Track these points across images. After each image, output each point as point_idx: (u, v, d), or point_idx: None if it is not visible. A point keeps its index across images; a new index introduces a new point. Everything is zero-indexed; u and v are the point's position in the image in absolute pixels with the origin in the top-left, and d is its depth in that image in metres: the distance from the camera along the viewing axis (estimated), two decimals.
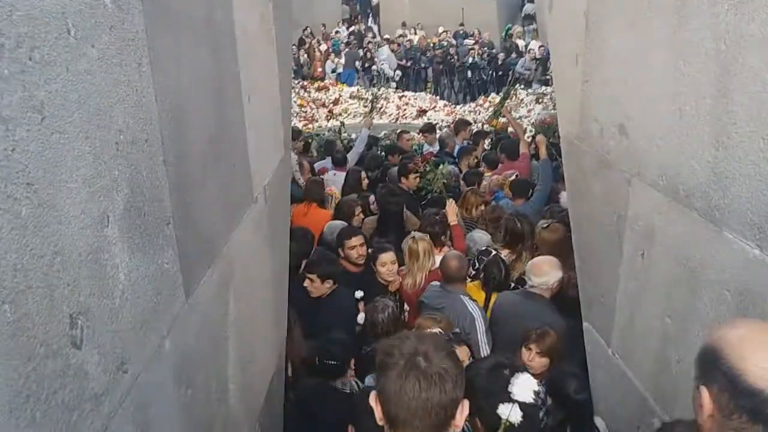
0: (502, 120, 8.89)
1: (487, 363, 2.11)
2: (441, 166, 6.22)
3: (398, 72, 15.40)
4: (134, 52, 1.30)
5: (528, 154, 6.37)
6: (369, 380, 3.01)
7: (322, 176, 6.52)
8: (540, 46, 14.65)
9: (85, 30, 1.09)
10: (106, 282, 1.18)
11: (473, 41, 16.06)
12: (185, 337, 1.65)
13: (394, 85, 14.92)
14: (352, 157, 6.97)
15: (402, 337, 1.47)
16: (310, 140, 8.41)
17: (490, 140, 8.33)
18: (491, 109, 10.56)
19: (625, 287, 2.47)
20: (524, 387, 1.91)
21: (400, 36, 16.98)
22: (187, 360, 1.68)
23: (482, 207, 5.12)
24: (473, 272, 3.95)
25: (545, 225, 4.09)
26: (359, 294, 3.93)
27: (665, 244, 2.16)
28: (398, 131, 9.06)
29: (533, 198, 5.29)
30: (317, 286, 3.77)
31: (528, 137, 7.41)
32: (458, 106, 12.84)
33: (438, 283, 3.77)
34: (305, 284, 3.78)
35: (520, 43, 15.87)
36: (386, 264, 4.05)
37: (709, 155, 1.84)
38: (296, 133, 7.68)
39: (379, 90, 13.03)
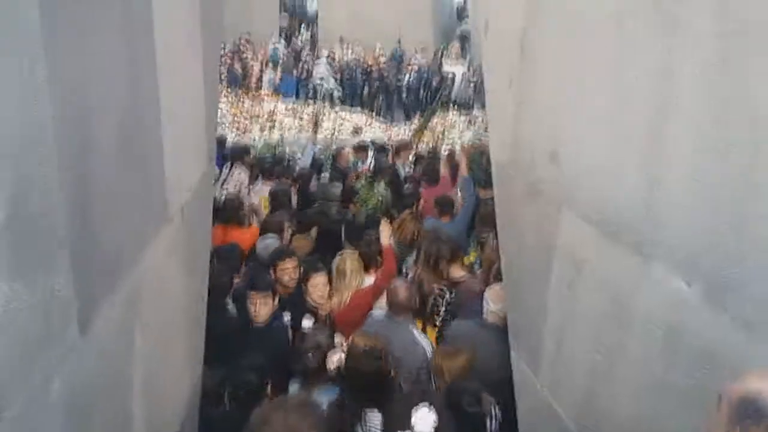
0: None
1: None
2: (376, 184, 6.16)
3: (339, 87, 15.36)
4: (24, 41, 1.13)
5: (448, 176, 6.41)
6: None
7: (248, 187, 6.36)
8: (463, 72, 15.01)
9: None
10: None
11: (408, 62, 16.20)
12: (79, 374, 1.46)
13: (336, 96, 14.83)
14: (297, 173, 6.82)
15: (276, 409, 1.50)
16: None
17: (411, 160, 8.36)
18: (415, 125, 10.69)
19: (552, 318, 2.43)
20: (424, 419, 2.43)
21: (339, 52, 16.91)
22: (82, 400, 1.49)
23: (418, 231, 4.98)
24: None
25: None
26: (309, 322, 3.73)
27: (594, 276, 2.13)
28: (335, 148, 8.95)
29: (458, 215, 5.30)
30: (267, 309, 3.50)
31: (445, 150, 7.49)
32: (393, 124, 12.87)
33: (380, 312, 3.64)
34: (252, 307, 3.48)
35: (447, 67, 16.12)
36: (318, 286, 3.89)
37: (642, 190, 1.82)
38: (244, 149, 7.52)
39: (323, 105, 12.92)
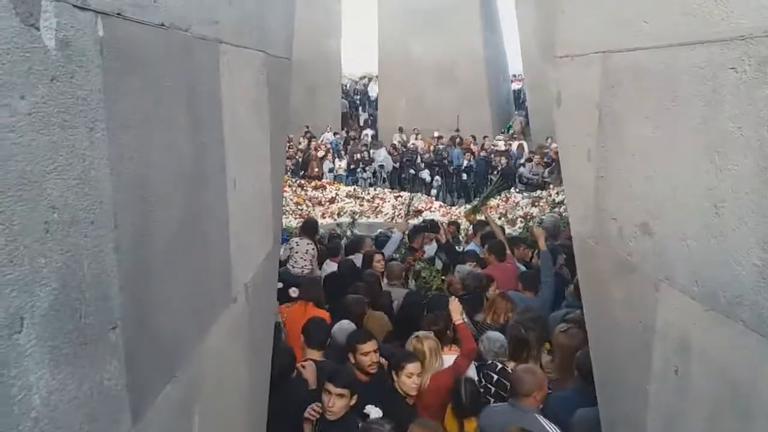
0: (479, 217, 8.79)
1: None
2: (435, 264, 6.00)
3: (393, 165, 15.61)
4: (85, 112, 1.07)
5: (511, 254, 6.21)
6: None
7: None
8: (524, 152, 15.01)
9: (10, 75, 0.86)
10: (9, 409, 0.87)
11: (467, 147, 16.32)
12: None
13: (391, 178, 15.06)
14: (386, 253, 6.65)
15: None
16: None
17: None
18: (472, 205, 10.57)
19: (657, 409, 2.13)
20: None
21: (398, 140, 17.30)
22: None
23: (510, 313, 4.73)
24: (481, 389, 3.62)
25: (564, 329, 3.78)
26: (376, 412, 3.27)
27: (705, 359, 1.85)
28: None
29: (541, 291, 5.09)
30: (343, 404, 3.18)
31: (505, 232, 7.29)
32: (454, 207, 12.79)
33: (497, 403, 3.41)
34: (327, 400, 3.15)
35: (506, 146, 16.15)
36: (413, 375, 3.54)
37: (755, 257, 1.59)
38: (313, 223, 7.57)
39: (376, 188, 13.06)
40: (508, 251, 6.27)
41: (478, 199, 11.63)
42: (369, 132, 18.99)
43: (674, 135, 1.92)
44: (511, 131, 17.84)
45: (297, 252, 6.49)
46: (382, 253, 6.31)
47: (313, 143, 16.46)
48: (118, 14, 1.18)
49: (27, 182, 0.91)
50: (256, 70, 2.48)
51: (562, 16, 2.76)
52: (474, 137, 16.83)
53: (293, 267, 6.36)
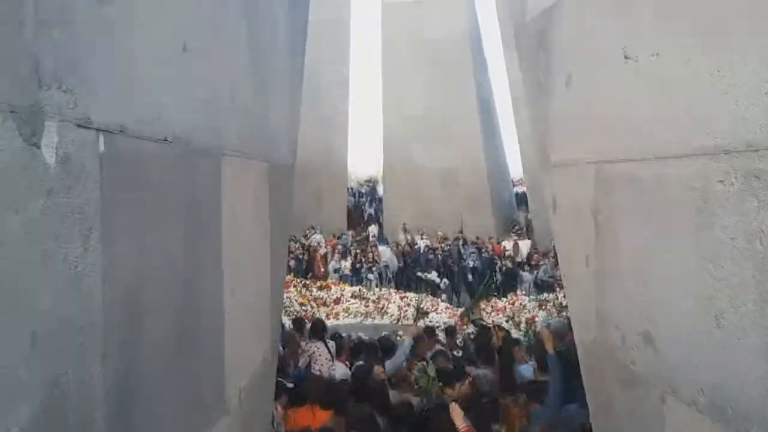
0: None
1: None
2: (429, 368, 5.83)
3: (398, 264, 15.58)
4: (80, 223, 1.10)
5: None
6: None
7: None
8: (527, 253, 15.04)
9: (7, 192, 0.89)
10: None
11: (474, 247, 16.38)
12: None
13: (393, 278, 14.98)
14: (389, 367, 6.28)
15: None
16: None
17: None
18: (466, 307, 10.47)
19: None
20: None
21: (403, 239, 17.42)
22: None
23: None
24: None
25: None
26: None
27: None
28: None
29: (549, 398, 4.89)
30: None
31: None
32: (460, 309, 12.63)
33: None
34: None
35: (509, 247, 16.18)
36: None
37: (761, 370, 1.54)
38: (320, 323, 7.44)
39: (381, 288, 12.98)
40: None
41: (496, 306, 11.53)
42: (374, 229, 19.15)
43: (669, 243, 1.93)
44: (515, 227, 18.01)
45: (319, 355, 6.41)
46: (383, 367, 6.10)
47: (313, 239, 16.57)
48: (121, 131, 1.24)
49: (15, 294, 0.91)
50: (259, 177, 2.55)
51: (555, 127, 2.86)
52: (478, 238, 16.93)
53: (317, 370, 6.25)
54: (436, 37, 17.36)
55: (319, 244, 16.55)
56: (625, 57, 2.16)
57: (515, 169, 20.39)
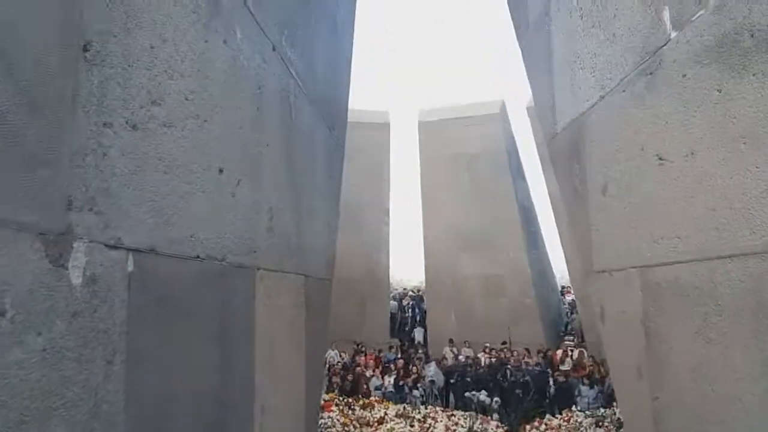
0: None
1: None
2: None
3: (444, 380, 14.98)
4: (104, 346, 1.08)
5: None
6: None
7: None
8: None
9: (30, 313, 0.89)
10: None
11: (521, 359, 15.73)
12: None
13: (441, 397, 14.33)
14: None
15: None
16: None
17: None
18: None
19: None
20: None
21: (449, 353, 16.92)
22: None
23: None
24: None
25: None
26: None
27: None
28: None
29: None
30: None
31: None
32: (510, 426, 11.90)
33: None
34: None
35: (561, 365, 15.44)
36: None
37: None
38: None
39: (427, 407, 12.42)
40: None
41: (550, 424, 10.87)
42: (419, 333, 18.74)
43: (727, 352, 1.79)
44: (568, 336, 17.34)
45: None
46: None
47: (358, 359, 16.20)
48: (151, 250, 1.25)
49: (29, 421, 0.89)
50: (295, 293, 2.54)
51: (595, 234, 2.80)
52: (528, 350, 16.30)
53: None
54: (473, 151, 17.83)
55: (363, 362, 16.21)
56: (660, 159, 2.14)
57: (562, 276, 19.99)
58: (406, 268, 23.27)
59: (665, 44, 2.09)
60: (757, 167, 1.60)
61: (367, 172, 17.81)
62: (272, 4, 2.22)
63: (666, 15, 2.10)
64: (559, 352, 15.91)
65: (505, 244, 17.37)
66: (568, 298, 21.38)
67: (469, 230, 17.74)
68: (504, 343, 16.73)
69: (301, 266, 2.61)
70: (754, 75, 1.64)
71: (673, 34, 2.05)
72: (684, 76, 1.98)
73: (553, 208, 17.81)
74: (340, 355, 16.06)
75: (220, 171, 1.66)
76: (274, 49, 2.21)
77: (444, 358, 16.41)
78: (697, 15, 1.89)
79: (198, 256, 1.50)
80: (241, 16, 1.86)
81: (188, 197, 1.45)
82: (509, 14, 4.49)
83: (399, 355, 17.05)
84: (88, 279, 1.03)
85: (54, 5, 0.97)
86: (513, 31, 4.41)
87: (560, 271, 19.86)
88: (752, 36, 1.64)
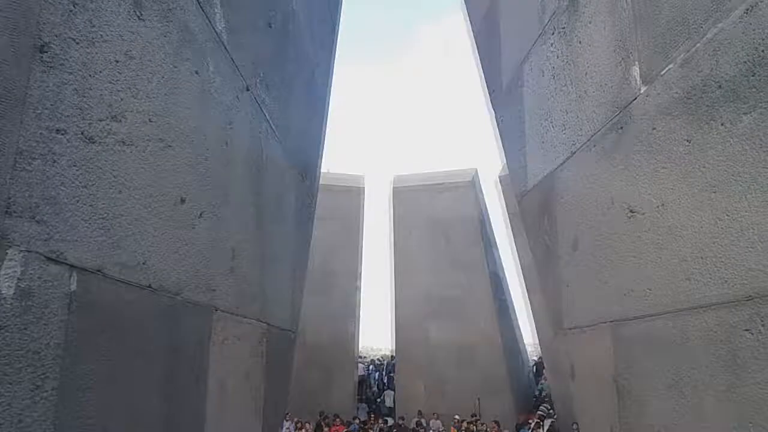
0: None
1: None
2: None
3: None
4: (34, 368, 0.98)
5: None
6: None
7: None
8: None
9: None
10: None
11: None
12: None
13: None
14: None
15: None
16: None
17: None
18: None
19: None
20: None
21: (417, 424, 16.42)
22: None
23: None
24: None
25: None
26: None
27: None
28: None
29: None
30: None
31: None
32: None
33: None
34: None
35: None
36: None
37: None
38: None
39: None
40: None
41: None
42: (389, 396, 18.18)
43: (701, 408, 1.73)
44: (537, 404, 16.99)
45: None
46: None
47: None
48: (99, 271, 1.17)
49: None
50: (255, 341, 2.42)
51: (567, 289, 2.76)
52: (497, 422, 15.92)
53: None
54: (445, 219, 17.96)
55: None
56: (630, 212, 2.13)
57: (531, 340, 19.83)
58: (376, 336, 22.91)
59: (635, 98, 2.13)
60: (727, 215, 1.60)
61: (339, 236, 17.77)
62: (249, 44, 2.22)
63: (636, 71, 2.14)
64: (532, 423, 15.57)
65: (476, 313, 17.26)
66: (535, 358, 21.13)
67: (440, 298, 17.64)
68: (473, 415, 16.34)
69: (263, 313, 2.50)
70: (722, 125, 1.66)
71: (643, 89, 2.09)
72: (654, 128, 2.01)
73: (522, 270, 17.84)
74: (298, 426, 15.44)
75: (182, 200, 1.59)
76: (247, 89, 2.19)
77: (414, 429, 15.90)
78: (666, 69, 1.93)
79: (150, 286, 1.41)
80: (215, 50, 1.84)
81: (144, 222, 1.38)
82: (483, 81, 4.61)
83: (365, 425, 16.50)
84: (22, 292, 0.94)
85: (8, 2, 0.93)
86: (486, 97, 4.52)
87: (532, 345, 19.73)
88: (719, 87, 1.68)
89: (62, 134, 1.05)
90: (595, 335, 2.40)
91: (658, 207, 1.95)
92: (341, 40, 4.72)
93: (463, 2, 4.94)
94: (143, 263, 1.37)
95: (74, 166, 1.09)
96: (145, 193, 1.38)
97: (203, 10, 1.74)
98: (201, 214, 1.71)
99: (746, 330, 1.48)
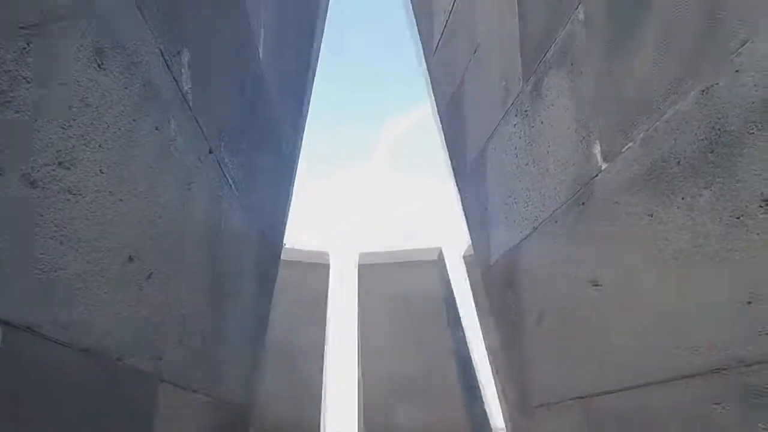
0: None
1: None
2: None
3: None
4: None
5: None
6: None
7: None
8: None
9: None
10: None
11: None
12: None
13: None
14: None
15: None
16: None
17: None
18: None
19: None
20: None
21: None
22: None
23: None
24: None
25: None
26: None
27: None
28: None
29: None
30: None
31: None
32: None
33: None
34: None
35: None
36: None
37: None
38: None
39: None
40: None
41: None
42: None
43: None
44: None
45: None
46: None
47: None
48: (28, 327, 1.07)
49: None
50: (206, 417, 2.26)
51: (533, 365, 2.70)
52: None
53: None
54: (411, 297, 17.82)
55: None
56: (595, 285, 2.11)
57: (501, 424, 19.29)
58: (339, 418, 22.04)
59: (597, 175, 2.16)
60: (691, 286, 1.59)
61: (303, 313, 17.40)
62: (215, 107, 2.21)
63: (597, 148, 2.19)
64: None
65: (443, 395, 16.85)
66: None
67: (406, 378, 17.19)
68: None
69: (215, 387, 2.35)
70: (682, 199, 1.68)
71: (604, 165, 2.12)
72: (616, 203, 2.03)
73: (487, 348, 17.62)
74: None
75: (130, 258, 1.51)
76: (210, 152, 2.16)
77: None
78: (627, 147, 1.97)
79: (88, 349, 1.30)
80: (178, 109, 1.81)
81: (86, 278, 1.29)
82: (448, 159, 4.69)
83: None
84: None
85: None
86: (451, 175, 4.58)
87: (502, 430, 19.22)
88: (678, 163, 1.71)
89: (1, 174, 0.98)
90: (564, 412, 2.32)
91: (622, 279, 1.94)
92: (311, 116, 4.79)
93: (430, 89, 5.11)
94: (81, 322, 1.27)
95: (12, 210, 1.01)
96: (89, 248, 1.30)
97: (169, 69, 1.73)
98: (150, 276, 1.62)
99: (716, 404, 1.43)
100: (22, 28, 1.02)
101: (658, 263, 1.75)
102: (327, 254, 20.59)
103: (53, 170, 1.13)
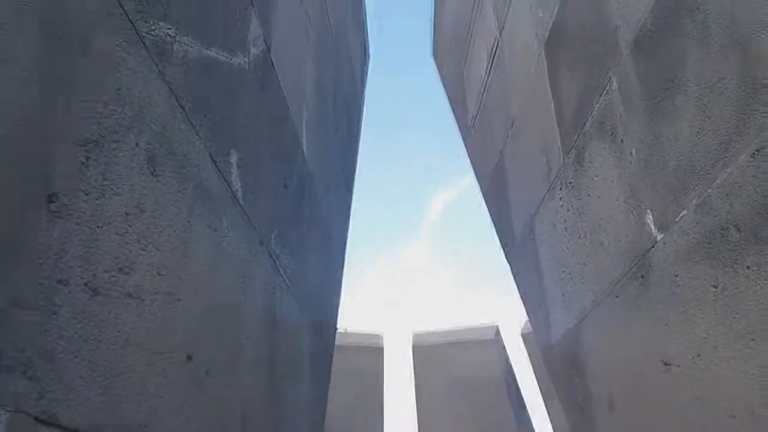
0: None
1: None
2: None
3: None
4: None
5: None
6: None
7: None
8: None
9: None
10: None
11: None
12: None
13: None
14: None
15: None
16: None
17: None
18: None
19: None
20: None
21: None
22: None
23: None
24: None
25: None
26: None
27: None
28: None
29: None
30: None
31: None
32: None
33: None
34: None
35: None
36: None
37: None
38: None
39: None
40: None
41: None
42: None
43: None
44: None
45: None
46: None
47: None
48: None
49: None
50: None
51: None
52: None
53: None
54: (469, 378, 17.25)
55: None
56: (665, 365, 2.00)
57: None
58: None
59: (653, 246, 2.09)
60: None
61: (359, 399, 17.04)
62: (264, 202, 2.28)
63: (649, 218, 2.13)
64: None
65: None
66: None
67: None
68: None
69: None
70: (748, 268, 1.60)
71: (660, 236, 2.06)
72: (676, 275, 1.95)
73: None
74: None
75: (189, 358, 1.52)
76: (261, 243, 2.20)
77: None
78: (681, 215, 1.91)
79: None
80: (229, 205, 1.88)
81: (146, 380, 1.30)
82: (496, 236, 4.65)
83: None
84: None
85: (20, 149, 0.96)
86: (501, 249, 4.53)
87: None
88: (739, 230, 1.64)
89: (64, 284, 1.02)
90: None
91: (693, 357, 1.83)
92: (357, 200, 4.88)
93: (470, 163, 5.16)
94: (144, 426, 1.27)
95: (75, 318, 1.05)
96: (149, 350, 1.32)
97: (219, 170, 1.80)
98: (207, 372, 1.63)
99: None
100: (80, 145, 1.09)
101: (730, 339, 1.65)
102: (381, 337, 20.29)
103: (113, 276, 1.17)
